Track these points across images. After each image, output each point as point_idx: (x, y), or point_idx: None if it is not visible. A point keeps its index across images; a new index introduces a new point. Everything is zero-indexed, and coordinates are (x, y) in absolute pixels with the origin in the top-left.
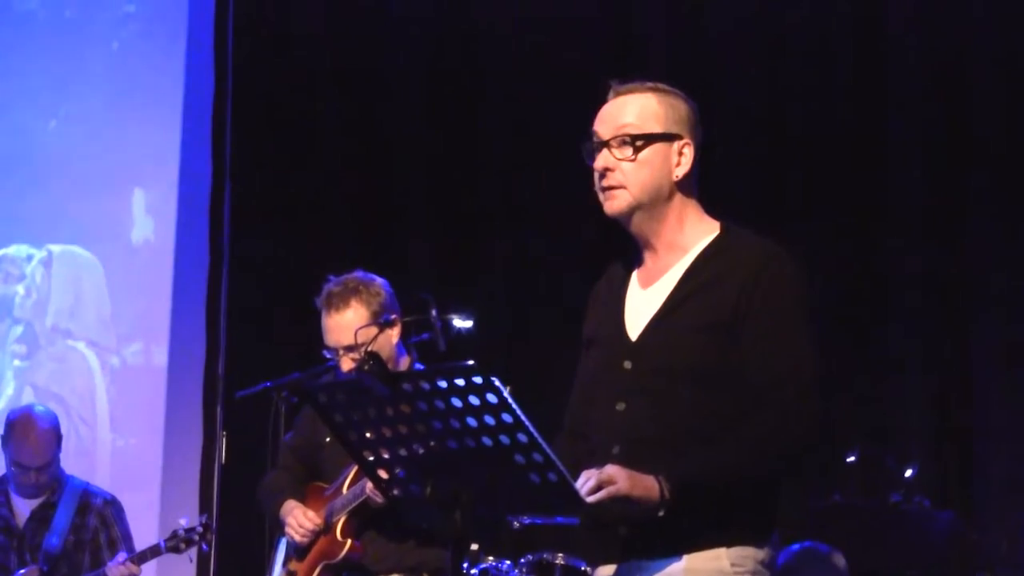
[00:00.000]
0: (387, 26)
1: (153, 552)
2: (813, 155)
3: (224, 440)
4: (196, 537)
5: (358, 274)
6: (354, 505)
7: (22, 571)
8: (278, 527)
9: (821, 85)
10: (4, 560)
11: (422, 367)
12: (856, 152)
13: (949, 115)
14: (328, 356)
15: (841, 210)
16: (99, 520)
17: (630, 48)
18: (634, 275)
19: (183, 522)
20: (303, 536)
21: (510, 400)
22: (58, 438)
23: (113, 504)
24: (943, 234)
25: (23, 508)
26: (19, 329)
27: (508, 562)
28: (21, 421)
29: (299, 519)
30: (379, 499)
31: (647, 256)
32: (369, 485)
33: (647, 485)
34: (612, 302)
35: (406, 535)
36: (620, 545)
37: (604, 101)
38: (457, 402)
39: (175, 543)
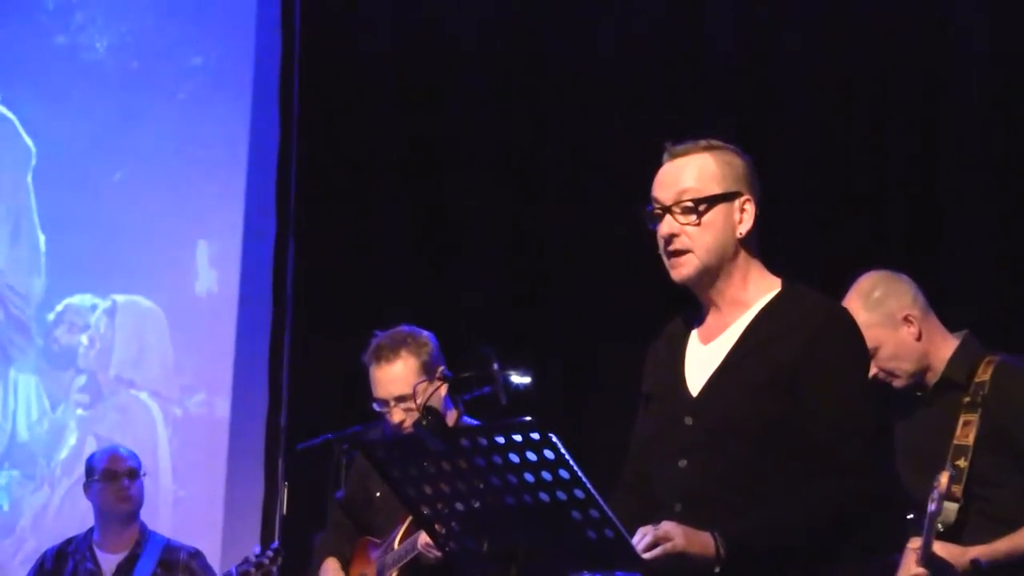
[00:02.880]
0: (458, 80)
1: None
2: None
3: (285, 492)
4: (267, 562)
5: (404, 327)
6: (406, 560)
7: None
8: None
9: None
10: None
11: (470, 421)
12: (914, 197)
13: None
14: (378, 409)
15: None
16: (188, 575)
17: (696, 87)
18: (694, 331)
19: (255, 549)
20: None
21: (567, 456)
22: (138, 476)
23: (197, 556)
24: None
25: (109, 562)
26: (82, 379)
27: None
28: (105, 449)
29: None
30: (431, 554)
31: (709, 312)
32: (422, 540)
33: (703, 542)
34: (672, 358)
35: None
36: None
37: (659, 163)
38: (514, 458)
39: (246, 568)
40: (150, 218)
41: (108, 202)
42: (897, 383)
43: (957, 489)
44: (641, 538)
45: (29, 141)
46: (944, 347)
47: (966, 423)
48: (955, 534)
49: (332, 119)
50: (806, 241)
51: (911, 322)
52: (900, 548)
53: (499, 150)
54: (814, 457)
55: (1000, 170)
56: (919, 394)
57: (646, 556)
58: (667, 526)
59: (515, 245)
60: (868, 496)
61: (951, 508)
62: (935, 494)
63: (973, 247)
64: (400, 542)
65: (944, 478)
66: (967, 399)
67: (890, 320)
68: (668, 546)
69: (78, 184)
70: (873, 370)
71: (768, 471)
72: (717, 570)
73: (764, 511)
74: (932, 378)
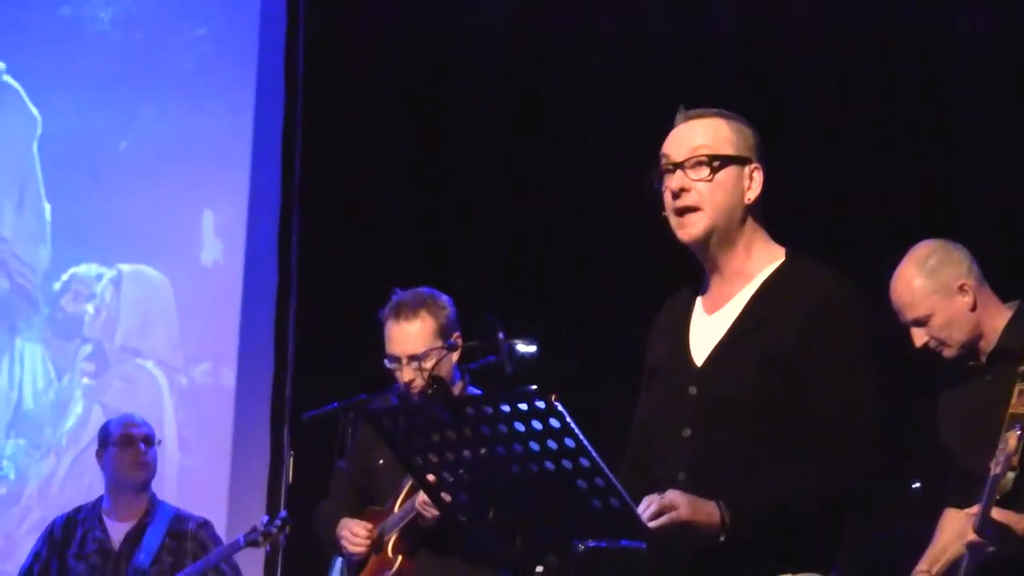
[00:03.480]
0: (462, 51)
1: (232, 548)
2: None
3: (291, 460)
4: (275, 531)
5: (425, 289)
6: (405, 522)
7: None
8: (332, 549)
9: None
10: None
11: (476, 391)
12: (924, 178)
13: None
14: (389, 366)
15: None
16: (196, 545)
17: (702, 68)
18: (699, 301)
19: (263, 518)
20: (357, 546)
21: (572, 425)
22: (152, 443)
23: (206, 526)
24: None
25: (118, 531)
26: (88, 348)
27: None
28: (120, 417)
29: (352, 529)
30: (428, 513)
31: (712, 282)
32: (419, 499)
33: (708, 511)
34: (676, 329)
35: (454, 552)
36: (685, 572)
37: (672, 127)
38: (520, 426)
39: (255, 537)
40: (156, 188)
41: (114, 172)
42: (948, 352)
43: (1015, 458)
44: (646, 507)
45: (35, 110)
46: (998, 317)
47: (1022, 392)
48: (1011, 503)
49: (337, 87)
50: (808, 241)
51: (966, 292)
52: (905, 520)
53: (510, 117)
54: (819, 433)
55: (1004, 156)
56: (971, 364)
57: (651, 525)
58: (672, 495)
59: (523, 215)
60: (875, 473)
61: (1008, 477)
62: (1001, 456)
63: (978, 238)
64: (400, 506)
65: (1013, 439)
66: (1023, 368)
67: (945, 289)
68: (673, 515)
69: (84, 153)
70: (924, 338)
71: (772, 444)
72: (722, 539)
73: (770, 483)
74: (985, 347)
